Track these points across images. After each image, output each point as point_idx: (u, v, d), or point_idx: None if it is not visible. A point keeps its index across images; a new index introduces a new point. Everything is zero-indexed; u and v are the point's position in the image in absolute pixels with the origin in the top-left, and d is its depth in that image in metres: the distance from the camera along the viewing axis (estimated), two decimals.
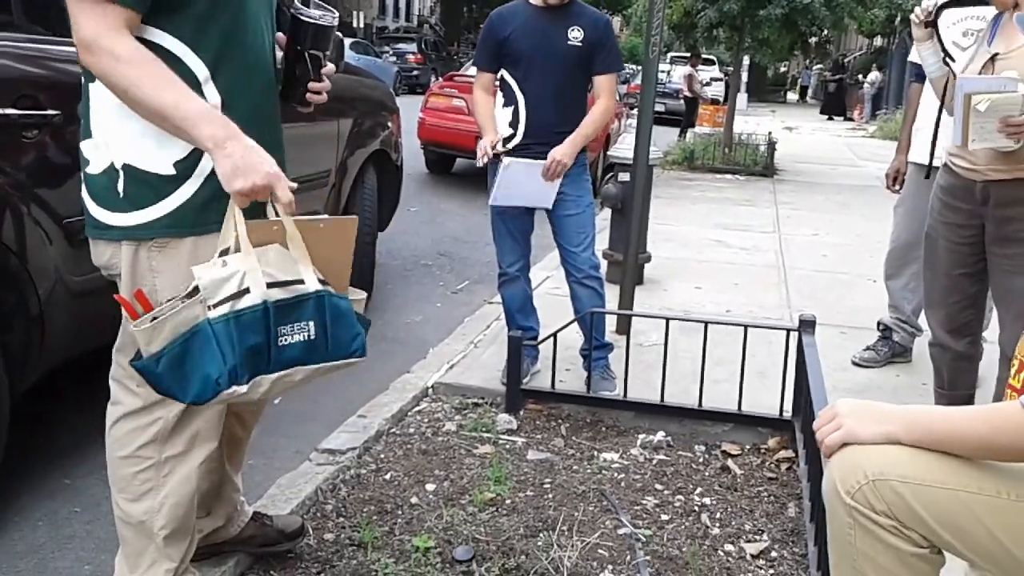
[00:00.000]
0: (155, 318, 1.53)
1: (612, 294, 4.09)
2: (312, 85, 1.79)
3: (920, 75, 3.58)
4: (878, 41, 27.69)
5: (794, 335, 2.96)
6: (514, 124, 3.22)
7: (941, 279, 2.66)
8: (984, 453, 1.26)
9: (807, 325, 2.90)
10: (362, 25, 31.05)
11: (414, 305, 4.78)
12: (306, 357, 1.59)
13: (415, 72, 24.48)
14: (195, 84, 1.55)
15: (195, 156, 1.58)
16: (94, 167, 1.61)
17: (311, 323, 1.58)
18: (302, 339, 1.58)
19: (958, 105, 2.31)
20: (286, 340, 1.56)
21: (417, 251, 6.05)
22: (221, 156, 1.49)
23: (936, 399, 2.85)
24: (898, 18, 15.91)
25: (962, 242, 2.58)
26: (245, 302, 1.51)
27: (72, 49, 1.52)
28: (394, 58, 24.82)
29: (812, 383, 2.38)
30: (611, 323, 4.00)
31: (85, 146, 1.62)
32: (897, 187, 3.90)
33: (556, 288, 4.50)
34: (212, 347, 1.50)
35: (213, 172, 1.55)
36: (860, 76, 26.99)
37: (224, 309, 1.50)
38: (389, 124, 4.79)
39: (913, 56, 3.88)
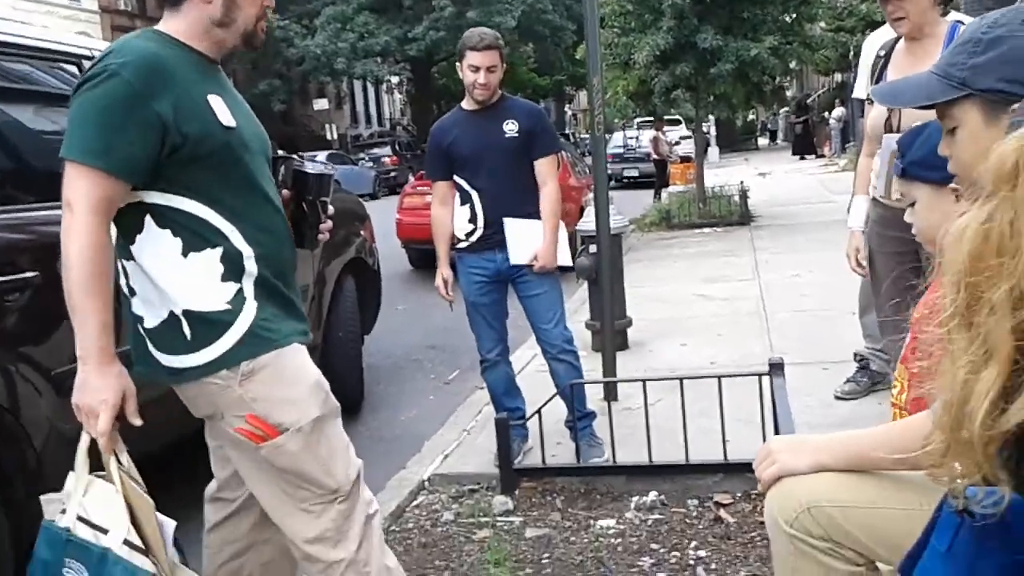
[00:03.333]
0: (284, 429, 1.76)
1: (597, 362, 4.20)
2: (322, 226, 2.01)
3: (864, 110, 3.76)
4: (838, 77, 28.38)
5: (767, 379, 3.05)
6: (473, 219, 3.41)
7: (890, 308, 2.77)
8: (897, 468, 1.35)
9: (776, 368, 3.00)
10: (336, 136, 31.87)
11: (408, 400, 4.87)
12: None
13: (392, 173, 25.08)
14: (223, 238, 1.73)
15: (241, 294, 1.75)
16: (151, 320, 1.75)
17: (86, 573, 1.64)
18: None
19: (884, 161, 2.48)
20: (67, 574, 1.65)
21: (407, 347, 6.16)
22: (80, 368, 1.64)
23: None
24: (851, 53, 16.39)
25: (901, 266, 2.70)
26: (58, 520, 1.68)
27: (49, 213, 1.69)
28: (371, 163, 25.45)
29: (781, 424, 2.48)
30: (599, 391, 4.09)
31: (134, 304, 1.77)
32: None
33: (543, 365, 4.59)
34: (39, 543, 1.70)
35: (265, 301, 1.75)
36: (825, 113, 27.58)
37: (58, 516, 1.69)
38: (362, 232, 4.96)
39: (856, 92, 4.08)
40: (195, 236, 1.72)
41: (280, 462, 1.78)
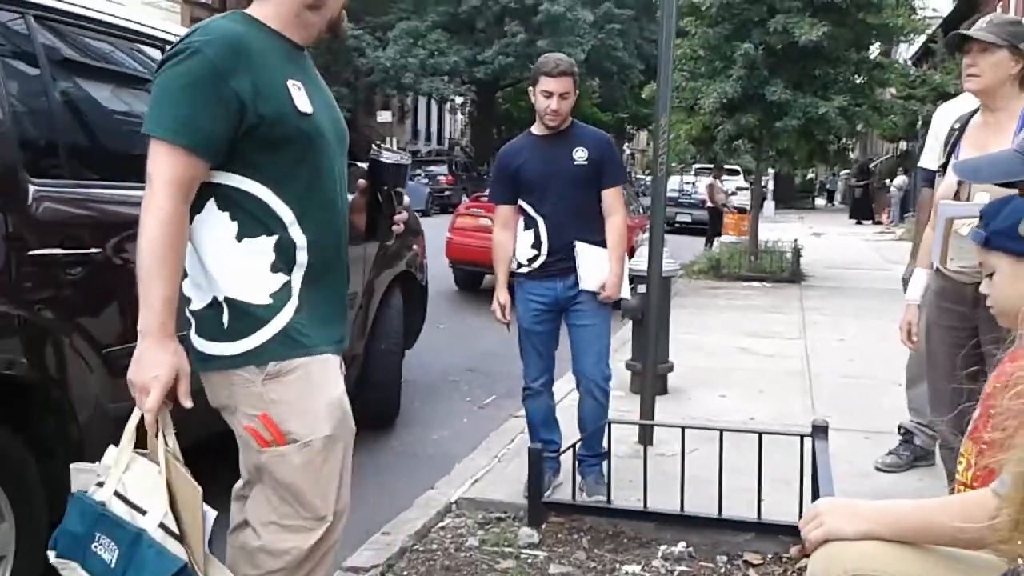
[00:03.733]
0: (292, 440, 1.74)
1: (635, 404, 4.16)
2: (396, 217, 1.99)
3: (930, 180, 3.71)
4: (903, 145, 28.07)
5: (808, 440, 2.99)
6: (536, 245, 3.41)
7: (943, 382, 2.71)
8: (956, 542, 1.31)
9: (819, 431, 2.94)
10: (396, 150, 32.21)
11: (441, 420, 4.86)
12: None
13: (447, 192, 25.21)
14: (281, 226, 1.74)
15: (287, 287, 1.75)
16: (197, 303, 1.77)
17: (117, 551, 1.61)
18: (105, 559, 1.62)
19: (940, 228, 2.45)
20: (99, 550, 1.63)
21: (446, 367, 6.16)
22: (139, 342, 1.65)
23: None
24: (919, 123, 16.23)
25: (958, 343, 2.64)
26: (94, 493, 1.68)
27: (116, 192, 1.71)
28: (426, 180, 25.62)
29: (822, 489, 2.42)
30: (634, 433, 4.05)
31: (184, 285, 1.77)
32: None
33: None
34: (69, 511, 1.70)
35: (309, 299, 1.75)
36: (887, 180, 27.25)
37: (93, 488, 1.69)
38: (414, 246, 5.00)
39: (923, 162, 4.04)
40: (253, 220, 1.73)
41: (279, 472, 1.75)
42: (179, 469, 1.66)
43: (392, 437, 4.46)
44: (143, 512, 1.63)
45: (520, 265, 3.46)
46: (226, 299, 1.73)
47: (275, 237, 1.74)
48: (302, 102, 1.75)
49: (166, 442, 1.66)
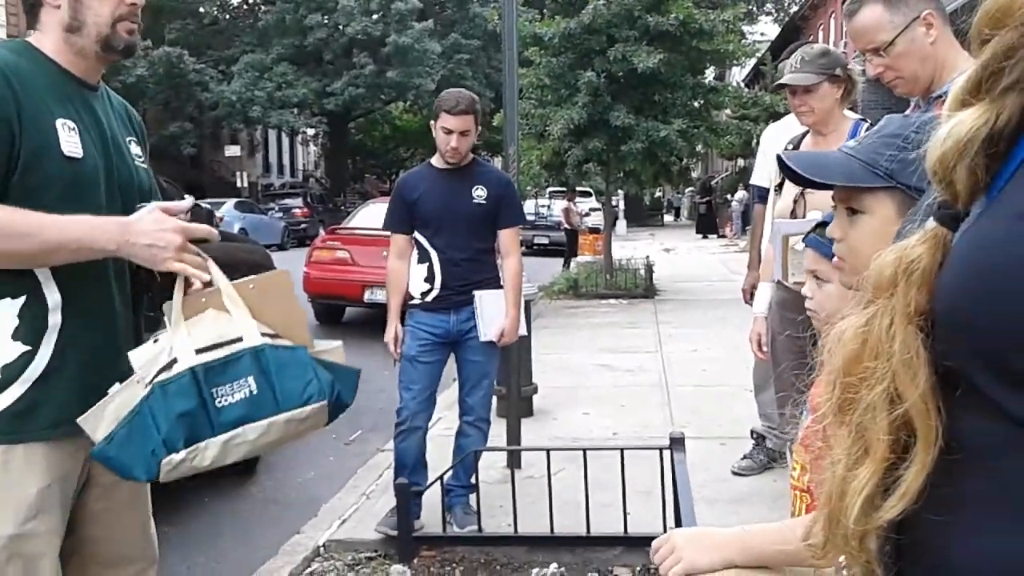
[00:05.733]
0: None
1: (502, 428, 4.18)
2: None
3: (763, 196, 3.94)
4: (740, 162, 29.70)
5: (668, 453, 3.09)
6: (430, 279, 3.39)
7: (789, 387, 2.86)
8: (793, 560, 1.38)
9: (677, 443, 3.04)
10: (247, 184, 31.32)
11: (306, 461, 4.73)
12: (252, 413, 1.59)
13: (303, 225, 24.71)
14: (35, 284, 1.57)
15: (22, 361, 1.57)
16: None
17: (250, 378, 1.59)
18: (243, 396, 1.58)
19: (777, 246, 2.60)
20: (226, 400, 1.57)
21: None
22: (131, 252, 1.56)
23: None
24: (754, 141, 17.19)
25: (802, 350, 2.80)
26: (172, 371, 1.56)
27: None
28: (280, 213, 25.04)
29: (681, 499, 2.51)
30: (502, 458, 4.07)
31: None
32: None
33: (446, 430, 4.55)
34: (148, 422, 1.54)
35: (42, 378, 1.57)
36: (728, 195, 28.72)
37: (154, 384, 1.56)
38: None
39: (755, 179, 4.28)
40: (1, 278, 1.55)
41: None
42: (247, 283, 1.67)
43: (253, 484, 4.30)
44: (238, 340, 1.61)
45: (411, 297, 3.43)
46: None
47: (22, 299, 1.56)
48: (71, 146, 1.59)
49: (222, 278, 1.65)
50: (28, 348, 1.57)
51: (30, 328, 1.57)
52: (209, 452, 1.57)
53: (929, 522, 0.72)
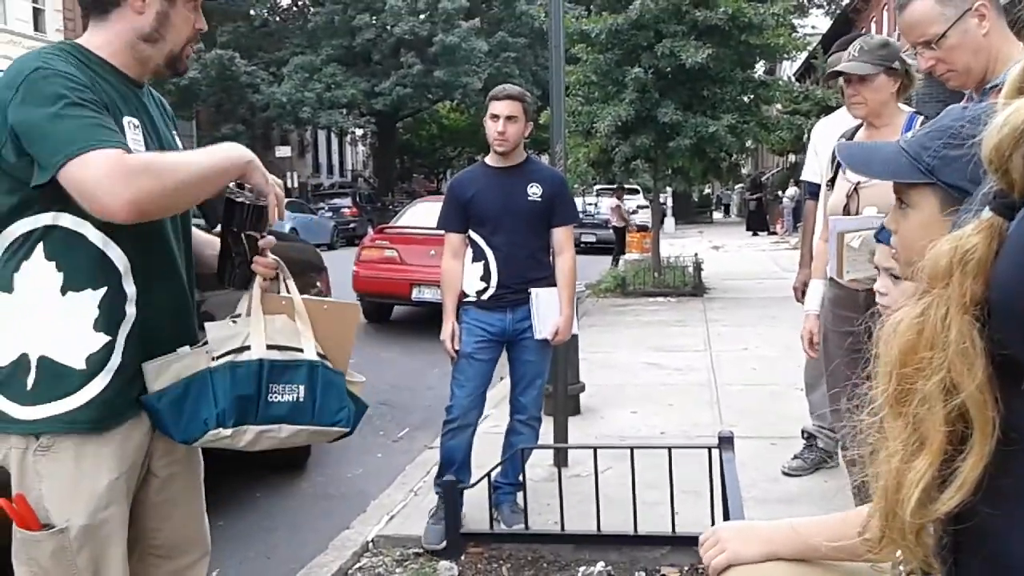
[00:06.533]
0: (48, 525, 1.59)
1: (548, 426, 4.18)
2: (260, 260, 1.78)
3: (814, 192, 3.87)
4: (791, 158, 29.26)
5: (716, 452, 3.06)
6: (486, 278, 3.40)
7: (842, 388, 2.82)
8: (842, 554, 1.35)
9: (726, 442, 3.01)
10: (296, 184, 31.80)
11: (355, 458, 4.78)
12: (292, 416, 1.73)
13: (352, 224, 24.99)
14: (116, 274, 1.62)
15: (104, 352, 1.62)
16: (3, 358, 1.60)
17: (301, 387, 1.73)
18: (290, 399, 1.72)
19: (832, 243, 2.56)
20: (276, 397, 1.71)
21: None
22: (255, 168, 1.68)
23: (856, 501, 2.95)
24: (805, 135, 16.92)
25: (854, 348, 2.75)
26: (243, 356, 1.69)
27: None
28: (330, 213, 25.35)
29: (730, 500, 2.48)
30: (549, 456, 4.07)
31: None
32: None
33: (492, 427, 4.56)
34: (208, 393, 1.67)
35: (121, 368, 1.62)
36: (779, 192, 28.32)
37: (224, 361, 1.69)
38: (318, 283, 4.93)
39: (805, 175, 4.21)
40: (81, 270, 1.60)
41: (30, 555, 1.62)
42: (320, 303, 1.83)
43: (303, 479, 4.36)
44: (300, 351, 1.74)
45: (466, 295, 3.44)
46: (40, 358, 1.60)
47: (103, 290, 1.62)
48: (135, 143, 1.64)
49: (287, 290, 1.80)
50: (109, 339, 1.63)
51: (109, 319, 1.63)
52: (246, 436, 1.70)
53: (987, 514, 0.71)
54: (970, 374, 0.72)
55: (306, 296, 1.81)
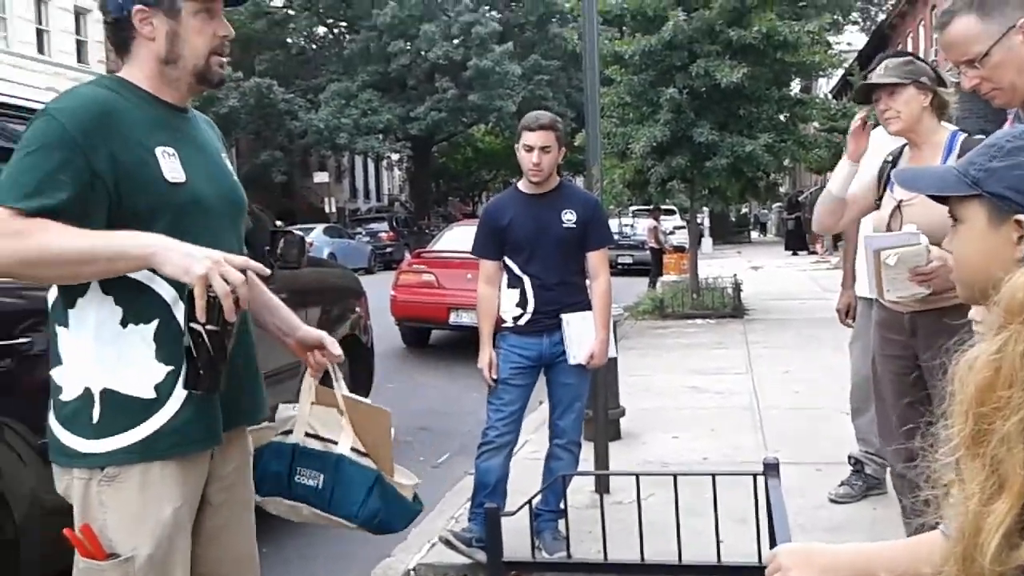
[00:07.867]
0: (113, 554, 1.62)
1: (589, 452, 4.14)
2: (313, 360, 1.99)
3: None
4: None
5: (762, 479, 3.00)
6: (522, 304, 3.41)
7: (890, 410, 2.76)
8: None
9: (771, 468, 2.94)
10: (334, 209, 32.12)
11: None
12: (311, 499, 1.99)
13: (389, 249, 25.20)
14: (164, 307, 1.63)
15: (171, 380, 1.63)
16: (67, 393, 1.63)
17: (323, 475, 1.97)
18: (312, 484, 1.99)
19: (869, 261, 2.51)
20: (301, 479, 1.99)
21: (397, 427, 6.00)
22: (166, 258, 1.51)
23: (906, 530, 2.88)
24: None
25: (903, 372, 2.70)
26: (286, 439, 2.01)
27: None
28: (367, 238, 25.60)
29: (777, 528, 2.42)
30: (590, 482, 4.03)
31: (56, 373, 1.66)
32: (850, 320, 4.05)
33: (532, 453, 4.53)
34: (262, 460, 1.99)
35: (188, 397, 1.63)
36: None
37: (275, 438, 2.01)
38: (357, 308, 4.96)
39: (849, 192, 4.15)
40: (134, 305, 1.62)
41: None
42: (357, 403, 2.03)
43: None
44: (335, 443, 1.98)
45: (503, 322, 3.44)
46: (103, 391, 1.61)
47: (156, 322, 1.63)
48: (172, 171, 1.66)
49: (336, 379, 2.01)
50: (172, 367, 1.64)
51: (170, 350, 1.63)
52: (279, 507, 2.05)
53: None
54: None
55: (347, 394, 2.02)
